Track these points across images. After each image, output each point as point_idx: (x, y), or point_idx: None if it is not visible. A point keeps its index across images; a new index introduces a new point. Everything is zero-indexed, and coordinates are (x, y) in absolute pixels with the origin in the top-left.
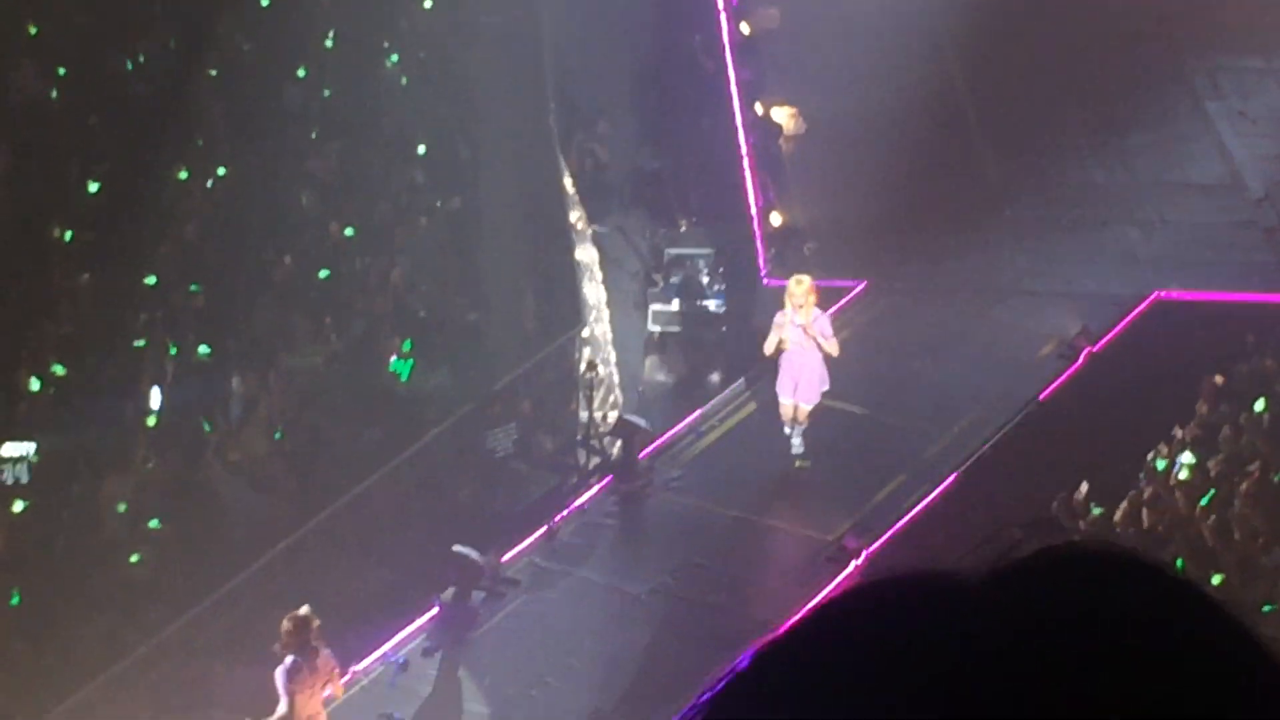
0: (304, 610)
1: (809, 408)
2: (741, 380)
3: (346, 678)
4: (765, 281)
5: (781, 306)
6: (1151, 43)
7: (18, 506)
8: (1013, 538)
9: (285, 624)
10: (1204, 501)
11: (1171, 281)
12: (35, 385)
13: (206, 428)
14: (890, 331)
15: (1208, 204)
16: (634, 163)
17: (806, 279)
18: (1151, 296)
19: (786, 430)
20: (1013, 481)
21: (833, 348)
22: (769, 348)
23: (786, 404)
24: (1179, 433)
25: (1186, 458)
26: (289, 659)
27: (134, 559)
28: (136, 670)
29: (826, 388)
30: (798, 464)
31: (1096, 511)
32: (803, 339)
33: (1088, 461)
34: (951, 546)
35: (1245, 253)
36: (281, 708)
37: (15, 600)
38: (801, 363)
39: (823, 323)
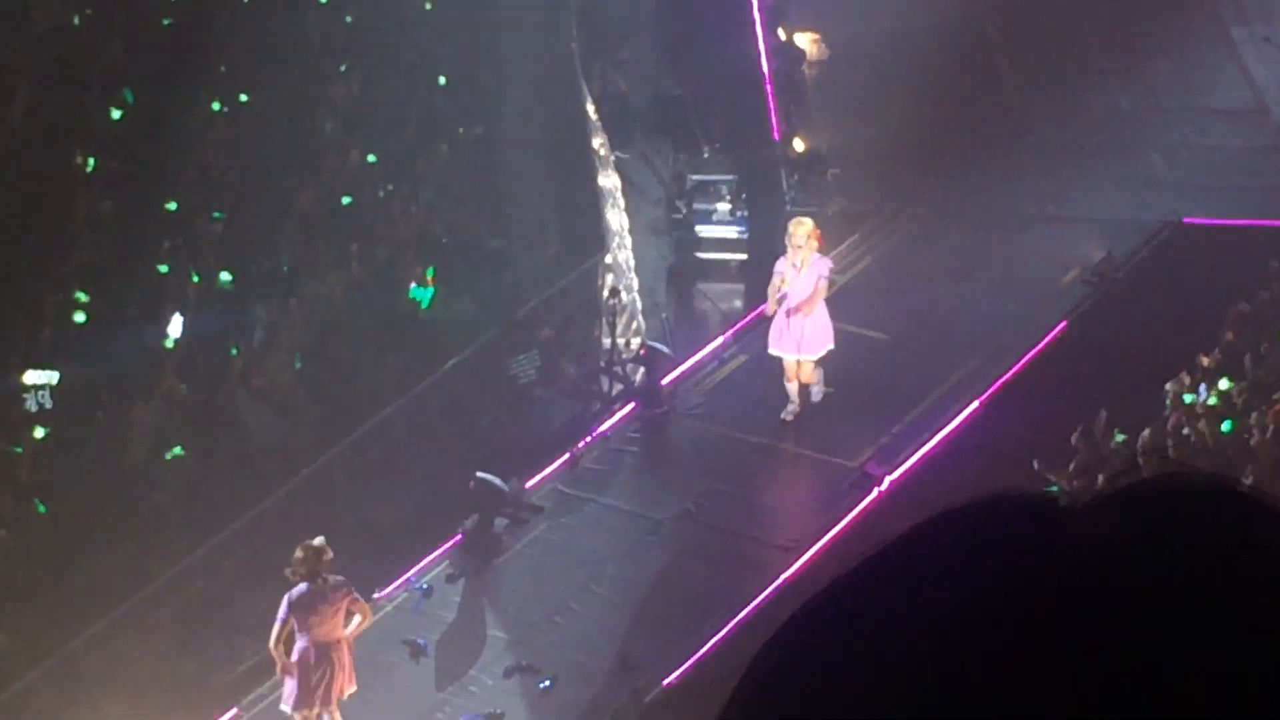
0: (318, 540)
1: (814, 359)
2: (764, 307)
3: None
4: (788, 208)
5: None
6: None
7: (40, 433)
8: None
9: (298, 552)
10: (1227, 429)
11: (1195, 207)
12: (58, 313)
13: (234, 351)
14: (913, 258)
15: (1232, 129)
16: (657, 89)
17: (808, 221)
18: (1175, 222)
19: (788, 393)
20: (1036, 408)
21: (819, 296)
22: (772, 303)
23: (789, 360)
24: (1204, 360)
25: (1222, 384)
26: (299, 586)
27: (157, 486)
28: (160, 597)
29: (831, 345)
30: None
31: (1119, 439)
32: (805, 287)
33: (1111, 388)
34: (974, 474)
35: (1269, 178)
36: (274, 631)
37: (41, 509)
38: (803, 313)
39: (821, 267)
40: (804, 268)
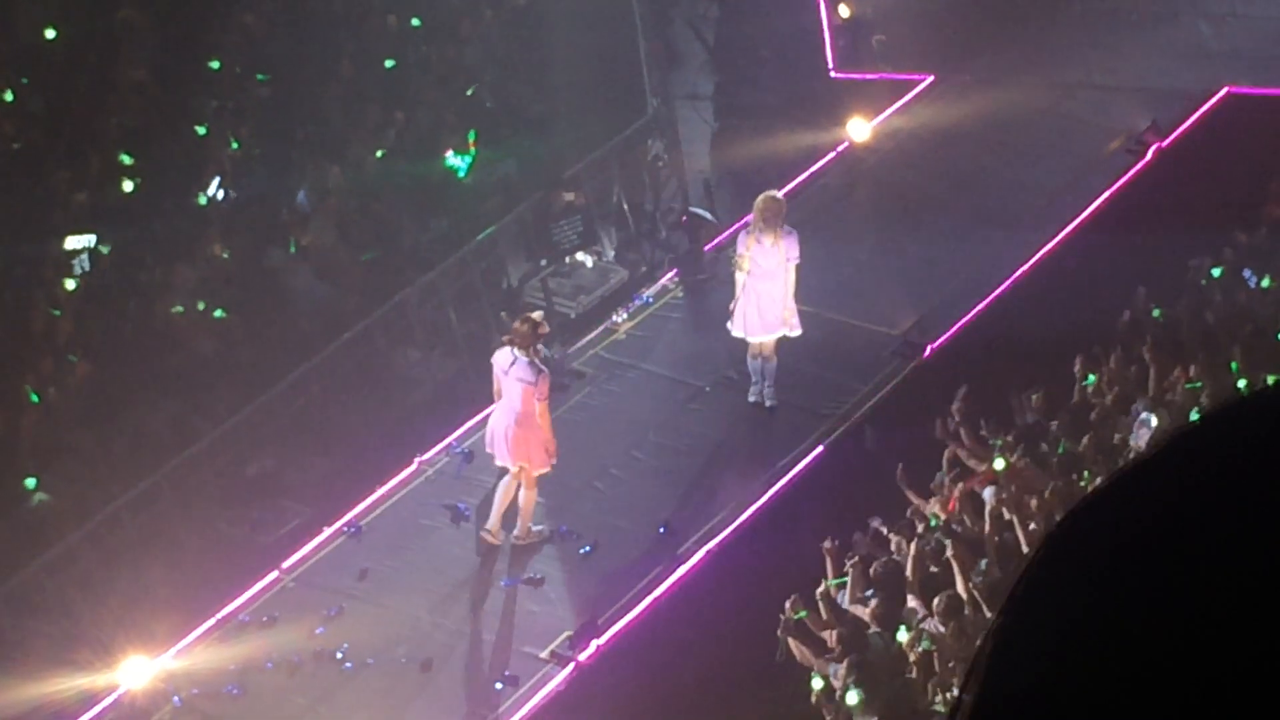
0: (537, 314)
1: (773, 340)
2: (807, 174)
3: (412, 467)
4: (833, 75)
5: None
6: None
7: (83, 294)
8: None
9: (516, 322)
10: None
11: (1242, 76)
12: (101, 175)
13: (281, 215)
14: (957, 126)
15: None
16: None
17: (781, 197)
18: (1222, 91)
19: (751, 372)
20: (1079, 278)
21: (791, 282)
22: (741, 289)
23: (754, 342)
24: (1243, 238)
25: None
26: (501, 349)
27: (200, 348)
28: (203, 458)
29: (793, 331)
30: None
31: (1156, 314)
32: (777, 265)
33: (1152, 259)
34: (1016, 344)
35: None
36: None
37: (83, 370)
38: (764, 290)
39: (789, 242)
40: (775, 245)
